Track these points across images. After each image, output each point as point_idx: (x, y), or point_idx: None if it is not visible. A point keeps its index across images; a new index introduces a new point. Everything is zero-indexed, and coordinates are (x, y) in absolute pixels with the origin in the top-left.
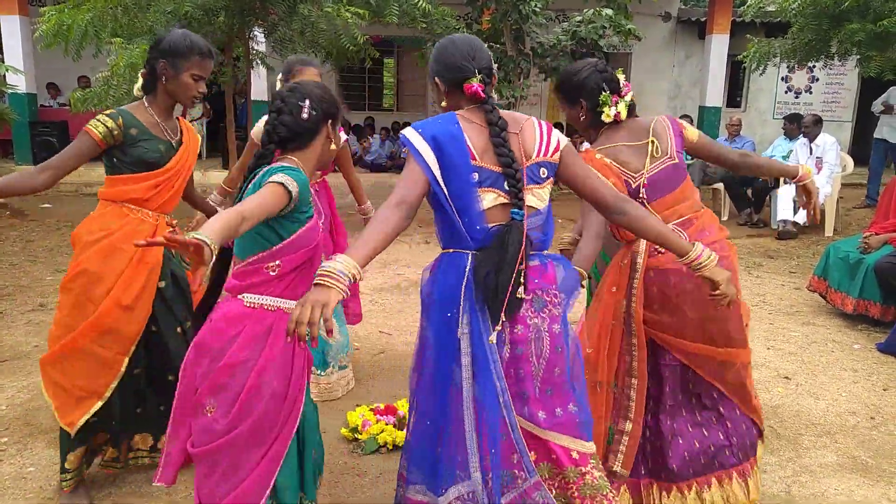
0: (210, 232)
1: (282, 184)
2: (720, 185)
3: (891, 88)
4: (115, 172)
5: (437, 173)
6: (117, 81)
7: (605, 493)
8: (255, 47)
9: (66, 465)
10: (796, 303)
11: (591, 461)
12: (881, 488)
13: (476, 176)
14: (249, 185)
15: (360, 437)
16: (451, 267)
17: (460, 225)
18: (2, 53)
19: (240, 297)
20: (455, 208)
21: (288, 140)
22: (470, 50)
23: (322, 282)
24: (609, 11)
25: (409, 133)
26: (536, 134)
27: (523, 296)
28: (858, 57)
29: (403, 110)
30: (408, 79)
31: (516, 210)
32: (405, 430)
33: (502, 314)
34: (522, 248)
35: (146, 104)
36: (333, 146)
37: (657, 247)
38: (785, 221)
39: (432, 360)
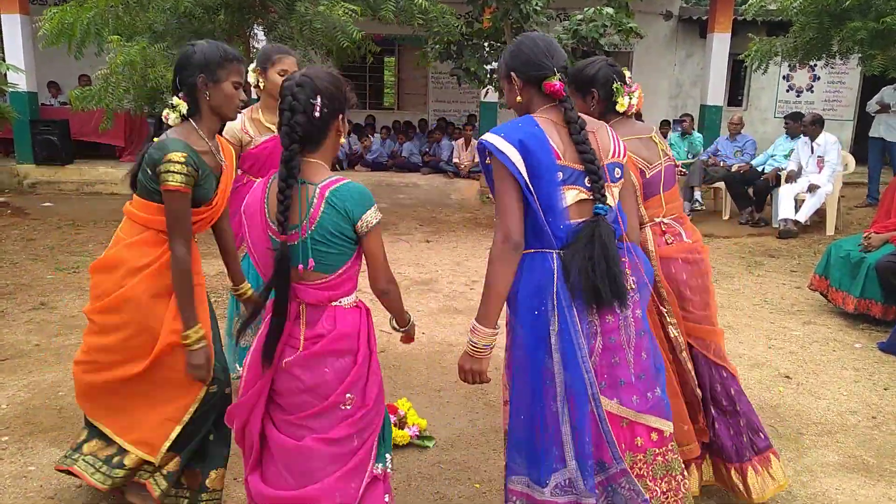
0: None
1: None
2: (721, 185)
3: (884, 88)
4: (160, 201)
5: (526, 176)
6: (116, 79)
7: (675, 473)
8: (256, 46)
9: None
10: (797, 302)
11: (670, 443)
12: (882, 488)
13: (560, 175)
14: (323, 207)
15: None
16: (535, 266)
17: (545, 224)
18: (2, 52)
19: (335, 303)
20: (541, 208)
21: (309, 141)
22: (549, 48)
23: (473, 354)
24: (610, 10)
25: (493, 139)
26: (611, 136)
27: (632, 285)
28: (860, 55)
29: (404, 109)
30: (409, 77)
31: (601, 205)
32: (504, 421)
33: (616, 305)
34: (615, 240)
35: (196, 128)
36: (343, 139)
37: (666, 237)
38: (786, 220)
39: (524, 357)
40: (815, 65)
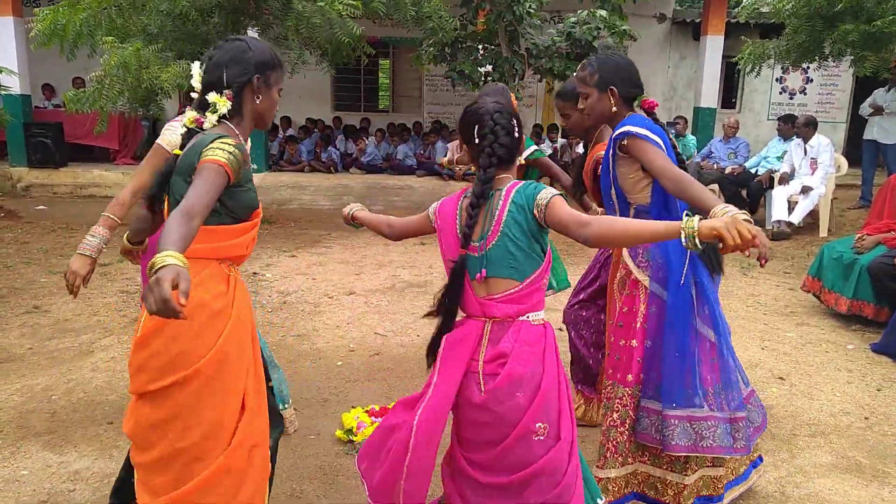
0: None
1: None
2: (715, 186)
3: (876, 90)
4: (215, 222)
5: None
6: (110, 81)
7: None
8: None
9: None
10: (791, 303)
11: None
12: (875, 488)
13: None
14: (508, 207)
15: (354, 438)
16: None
17: (675, 200)
18: None
19: (523, 318)
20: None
21: (508, 161)
22: (638, 73)
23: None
24: (604, 12)
25: (641, 131)
26: None
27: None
28: (852, 57)
29: (399, 111)
30: (403, 80)
31: None
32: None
33: (718, 273)
34: None
35: (236, 132)
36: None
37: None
38: (779, 222)
39: (675, 310)
40: (808, 67)
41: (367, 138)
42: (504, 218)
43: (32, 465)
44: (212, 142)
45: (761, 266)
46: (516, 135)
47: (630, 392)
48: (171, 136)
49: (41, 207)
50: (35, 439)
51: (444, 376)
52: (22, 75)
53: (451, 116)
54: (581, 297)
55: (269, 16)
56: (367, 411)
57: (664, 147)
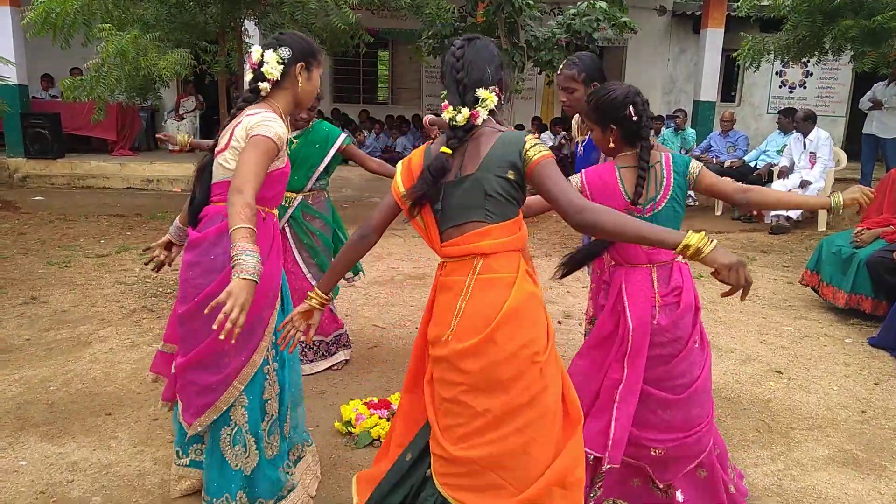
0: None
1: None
2: None
3: (876, 84)
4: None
5: None
6: (108, 69)
7: None
8: (247, 39)
9: None
10: (789, 297)
11: None
12: (872, 481)
13: None
14: (673, 176)
15: (353, 430)
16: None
17: None
18: None
19: (677, 260)
20: None
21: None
22: None
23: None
24: (603, 4)
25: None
26: None
27: None
28: (852, 53)
29: (398, 103)
30: (402, 72)
31: None
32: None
33: None
34: None
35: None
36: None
37: None
38: (778, 216)
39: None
40: (808, 61)
41: (367, 131)
42: (672, 184)
43: (30, 456)
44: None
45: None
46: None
47: None
48: (277, 128)
49: (38, 198)
50: (33, 430)
51: (634, 312)
52: (19, 65)
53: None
54: None
55: (266, 4)
56: (365, 403)
57: None
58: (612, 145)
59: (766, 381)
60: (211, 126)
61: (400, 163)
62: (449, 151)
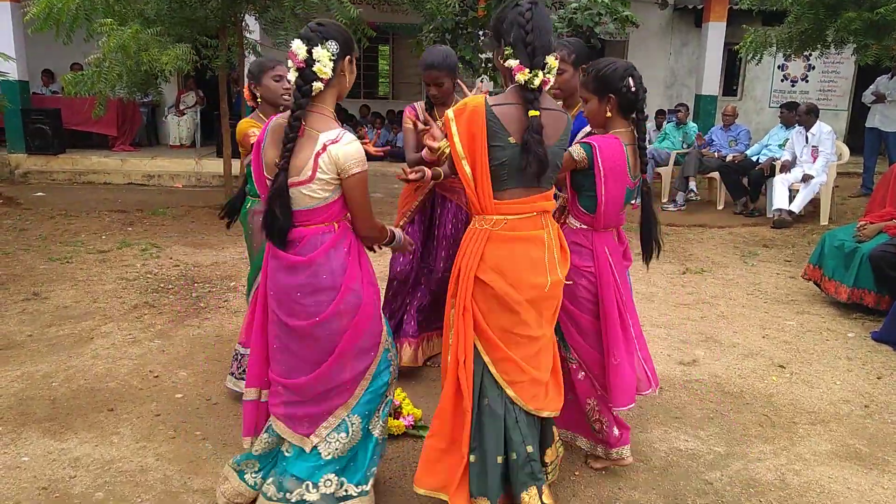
0: None
1: None
2: (716, 174)
3: (879, 78)
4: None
5: None
6: (109, 64)
7: None
8: (248, 35)
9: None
10: (791, 291)
11: None
12: (875, 476)
13: None
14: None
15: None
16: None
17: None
18: None
19: None
20: None
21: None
22: None
23: None
24: None
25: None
26: None
27: None
28: (855, 45)
29: (399, 98)
30: (403, 67)
31: None
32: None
33: None
34: None
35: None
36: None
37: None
38: (780, 210)
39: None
40: (810, 55)
41: (368, 126)
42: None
43: (33, 452)
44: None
45: None
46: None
47: None
48: (360, 148)
49: (39, 194)
50: (35, 426)
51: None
52: (20, 61)
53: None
54: None
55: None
56: None
57: None
58: (608, 114)
59: (768, 375)
60: (211, 122)
61: (447, 124)
62: (537, 114)
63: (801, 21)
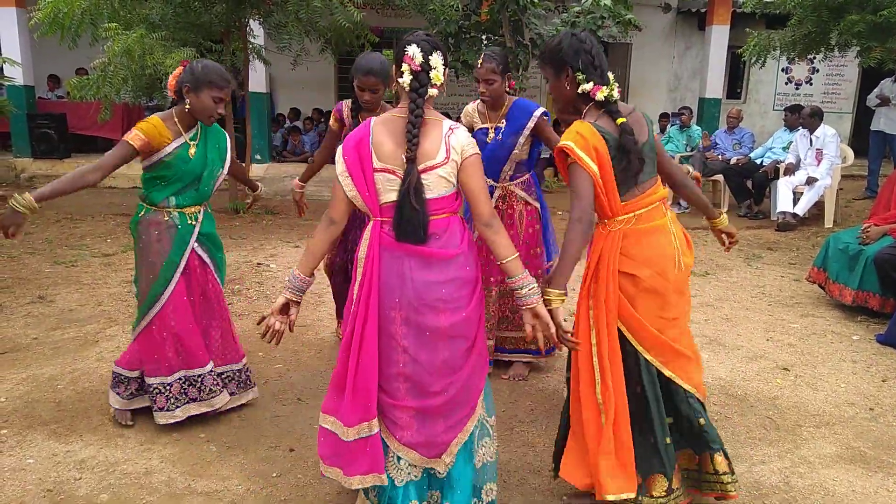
0: None
1: None
2: (720, 177)
3: (883, 81)
4: None
5: None
6: (114, 68)
7: None
8: (252, 41)
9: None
10: (796, 294)
11: None
12: (879, 479)
13: None
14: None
15: None
16: None
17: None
18: None
19: None
20: None
21: None
22: None
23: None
24: (608, 1)
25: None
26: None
27: None
28: (859, 48)
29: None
30: None
31: None
32: None
33: None
34: None
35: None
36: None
37: None
38: (784, 213)
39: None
40: (814, 58)
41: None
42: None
43: (38, 454)
44: None
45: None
46: None
47: None
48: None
49: None
50: (41, 428)
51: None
52: (25, 66)
53: (455, 107)
54: None
55: (271, 3)
56: None
57: None
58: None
59: (773, 378)
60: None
61: (568, 150)
62: (624, 120)
63: (805, 24)
